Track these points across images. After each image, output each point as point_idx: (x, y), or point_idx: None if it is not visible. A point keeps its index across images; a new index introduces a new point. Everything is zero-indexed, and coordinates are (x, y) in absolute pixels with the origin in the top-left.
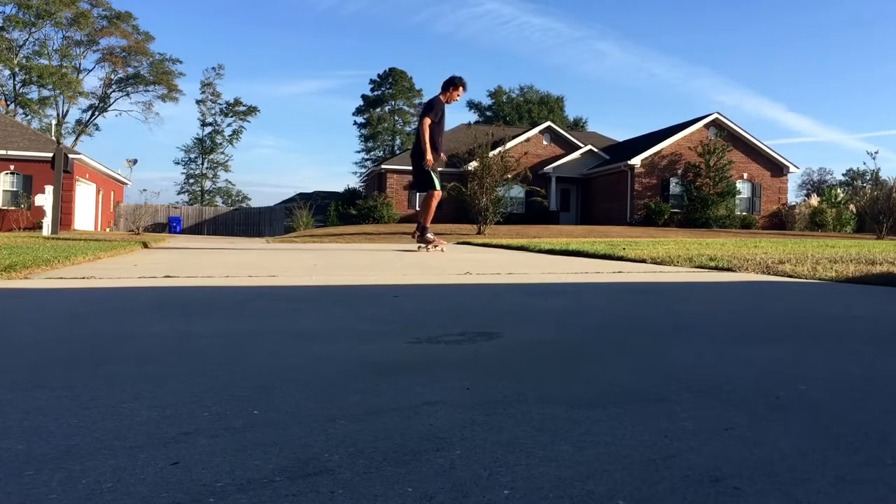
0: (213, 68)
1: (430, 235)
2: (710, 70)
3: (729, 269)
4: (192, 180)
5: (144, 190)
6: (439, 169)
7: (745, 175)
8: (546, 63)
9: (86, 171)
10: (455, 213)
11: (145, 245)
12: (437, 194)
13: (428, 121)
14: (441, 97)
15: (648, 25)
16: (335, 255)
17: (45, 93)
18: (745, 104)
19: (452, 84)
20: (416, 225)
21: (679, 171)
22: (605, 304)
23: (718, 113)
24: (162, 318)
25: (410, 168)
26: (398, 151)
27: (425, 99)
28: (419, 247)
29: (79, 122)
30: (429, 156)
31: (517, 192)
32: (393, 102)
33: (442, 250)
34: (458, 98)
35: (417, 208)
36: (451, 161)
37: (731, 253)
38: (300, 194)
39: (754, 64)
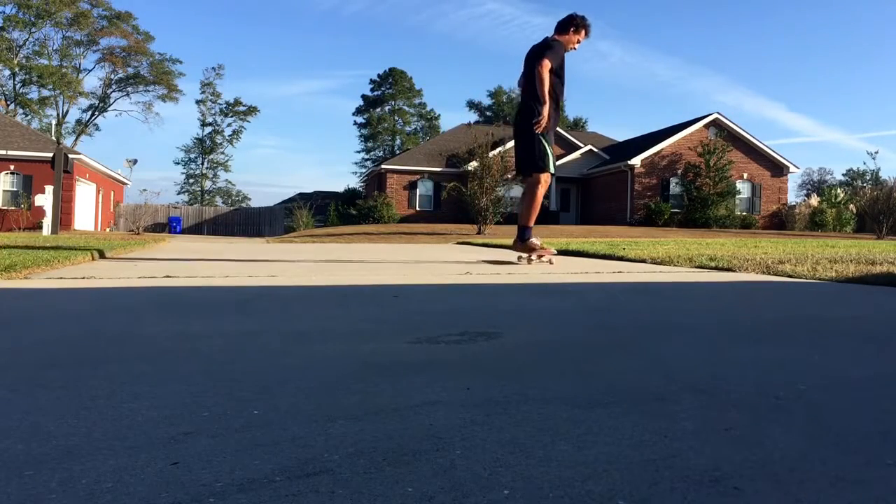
0: (212, 68)
1: (535, 241)
2: (711, 70)
3: (729, 269)
4: (192, 180)
5: (144, 190)
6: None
7: (745, 175)
8: None
9: (86, 171)
10: (455, 213)
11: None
12: (548, 179)
13: (548, 64)
14: (558, 38)
15: (649, 25)
16: (335, 255)
17: (45, 93)
18: (746, 104)
19: (573, 24)
20: (518, 228)
21: (679, 171)
22: (605, 305)
23: (718, 113)
24: (162, 318)
25: (437, 171)
26: (398, 151)
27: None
28: (519, 257)
29: (79, 122)
30: (545, 112)
31: (517, 192)
32: (393, 102)
33: (550, 262)
34: (577, 46)
35: (524, 204)
36: (452, 161)
37: (731, 253)
38: (300, 194)
39: (755, 64)
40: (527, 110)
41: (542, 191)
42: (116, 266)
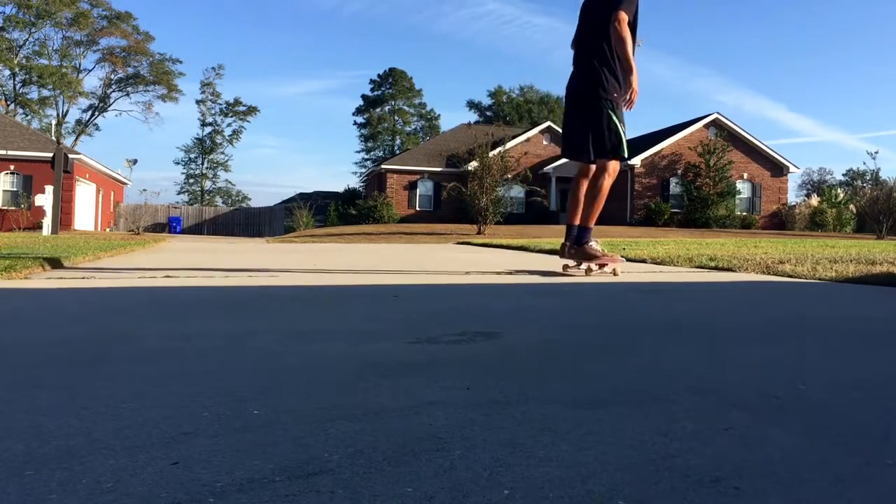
0: (213, 68)
1: (595, 245)
2: (711, 70)
3: (729, 269)
4: (192, 180)
5: (144, 190)
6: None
7: (745, 175)
8: (547, 63)
9: (86, 171)
10: (455, 213)
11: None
12: (618, 168)
13: (625, 16)
14: None
15: (649, 25)
16: (335, 255)
17: (45, 93)
18: (746, 104)
19: None
20: (567, 229)
21: (679, 171)
22: (605, 304)
23: (718, 113)
24: (162, 317)
25: (437, 171)
26: (398, 151)
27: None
28: (566, 266)
29: (79, 122)
30: (634, 81)
31: (517, 192)
32: (393, 102)
33: (615, 272)
34: None
35: (580, 197)
36: (451, 161)
37: (731, 253)
38: (300, 194)
39: (755, 64)
40: (589, 77)
41: (609, 183)
42: (117, 266)
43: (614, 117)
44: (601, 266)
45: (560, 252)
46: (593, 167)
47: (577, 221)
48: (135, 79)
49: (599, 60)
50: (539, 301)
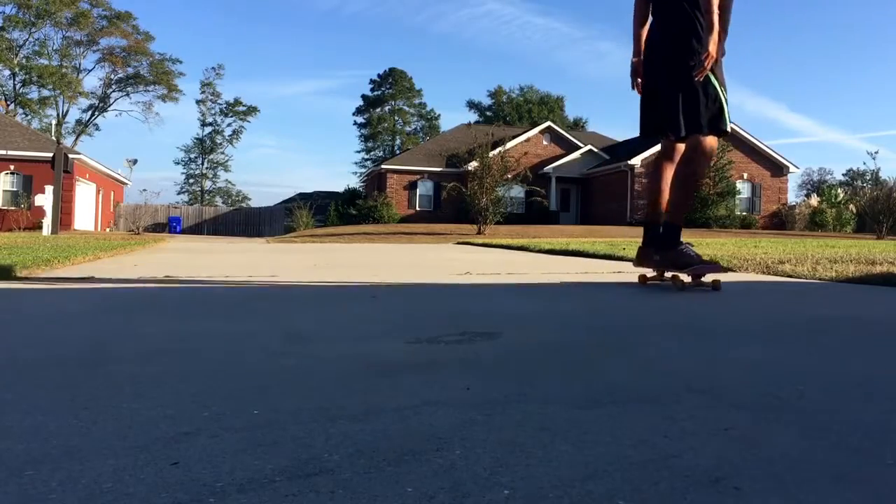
0: (212, 68)
1: (692, 251)
2: None
3: (729, 269)
4: (192, 180)
5: (144, 190)
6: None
7: (745, 175)
8: (547, 63)
9: (86, 171)
10: (455, 214)
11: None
12: (714, 145)
13: None
14: None
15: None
16: (335, 255)
17: (45, 93)
18: (747, 104)
19: None
20: (644, 227)
21: None
22: (605, 305)
23: None
24: (162, 317)
25: (437, 171)
26: (398, 151)
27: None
28: (646, 277)
29: (79, 122)
30: (713, 40)
31: (517, 192)
32: (393, 102)
33: (716, 285)
34: None
35: (663, 187)
36: (451, 161)
37: (731, 253)
38: (300, 194)
39: (756, 64)
40: (680, 28)
41: (705, 165)
42: (117, 266)
43: (713, 79)
44: (697, 277)
45: (638, 259)
46: (681, 146)
47: (663, 218)
48: (135, 79)
49: (691, 2)
50: (539, 301)
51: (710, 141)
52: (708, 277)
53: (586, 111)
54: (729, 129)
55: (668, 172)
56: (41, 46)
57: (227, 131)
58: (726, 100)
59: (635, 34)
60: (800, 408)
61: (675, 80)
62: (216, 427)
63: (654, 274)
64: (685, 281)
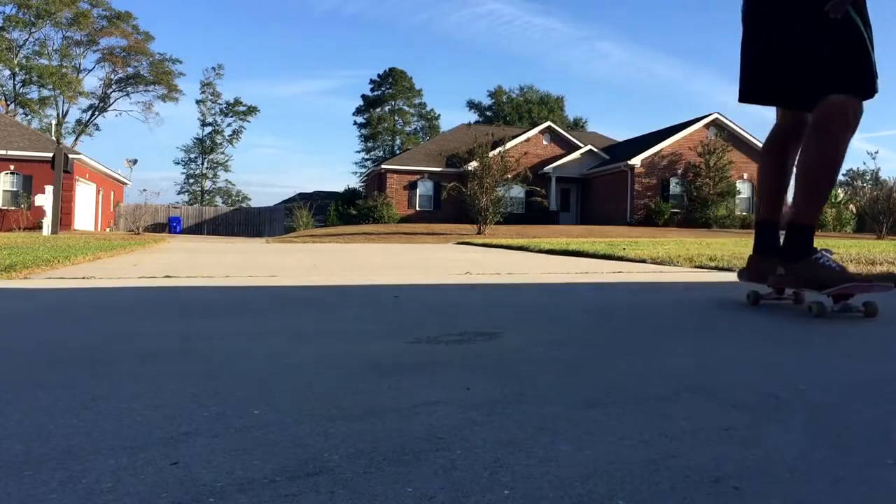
0: (212, 68)
1: (832, 261)
2: (712, 70)
3: (729, 270)
4: (192, 180)
5: (144, 190)
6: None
7: (746, 175)
8: (547, 63)
9: (86, 171)
10: (455, 213)
11: None
12: (860, 111)
13: None
14: None
15: (650, 25)
16: (335, 255)
17: (45, 93)
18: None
19: None
20: (757, 229)
21: (679, 171)
22: (604, 305)
23: (718, 113)
24: (162, 318)
25: (437, 171)
26: (398, 151)
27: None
28: (775, 293)
29: (79, 122)
30: None
31: (517, 192)
32: (393, 102)
33: (870, 311)
34: None
35: (784, 174)
36: (451, 161)
37: (731, 253)
38: (300, 194)
39: None
40: None
41: (849, 138)
42: (117, 266)
43: (860, 23)
44: (845, 298)
45: (749, 271)
46: (808, 116)
47: (786, 217)
48: (135, 79)
49: None
50: (539, 301)
51: (855, 105)
52: (858, 299)
53: (586, 111)
54: (878, 87)
55: (794, 154)
56: (41, 46)
57: (227, 131)
58: (872, 46)
59: None
60: (800, 408)
61: (808, 24)
62: (216, 427)
63: (770, 291)
64: (826, 307)
